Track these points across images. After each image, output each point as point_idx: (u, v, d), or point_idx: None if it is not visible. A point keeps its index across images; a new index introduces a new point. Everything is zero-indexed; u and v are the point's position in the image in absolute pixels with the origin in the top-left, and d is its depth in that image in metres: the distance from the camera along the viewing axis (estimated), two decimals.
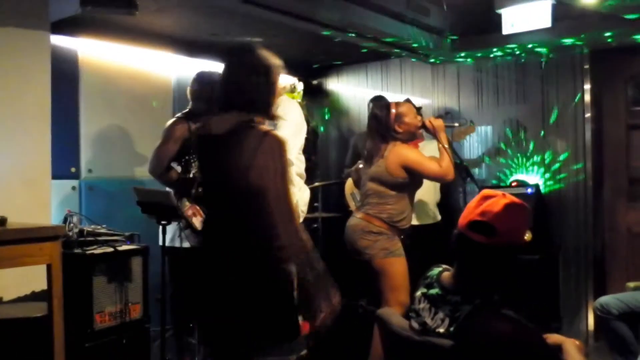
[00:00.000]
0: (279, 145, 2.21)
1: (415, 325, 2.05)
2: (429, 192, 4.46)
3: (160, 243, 3.52)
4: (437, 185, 4.57)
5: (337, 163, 6.19)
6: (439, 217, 4.68)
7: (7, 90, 3.42)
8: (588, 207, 4.93)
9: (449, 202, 5.00)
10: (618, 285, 4.56)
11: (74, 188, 4.40)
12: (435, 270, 2.12)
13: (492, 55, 5.27)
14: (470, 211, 1.95)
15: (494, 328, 1.83)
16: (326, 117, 6.50)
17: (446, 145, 3.61)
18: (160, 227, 3.47)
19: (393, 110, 3.62)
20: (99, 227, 3.78)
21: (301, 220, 3.56)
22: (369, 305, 4.23)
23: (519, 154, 5.23)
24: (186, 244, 3.61)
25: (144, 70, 4.88)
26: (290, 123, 3.34)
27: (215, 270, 2.31)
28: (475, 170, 5.35)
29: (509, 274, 1.97)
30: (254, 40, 2.41)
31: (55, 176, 3.80)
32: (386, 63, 5.97)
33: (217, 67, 4.40)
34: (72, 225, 3.61)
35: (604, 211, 5.05)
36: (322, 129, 6.48)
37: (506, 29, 4.17)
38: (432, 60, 5.50)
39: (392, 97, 5.29)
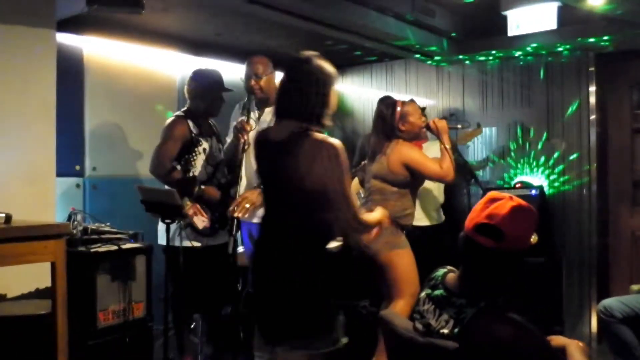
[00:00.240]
0: (336, 152, 2.39)
1: (419, 326, 2.04)
2: (432, 194, 4.47)
3: (164, 241, 3.52)
4: (441, 186, 4.57)
5: None
6: (442, 219, 4.67)
7: (13, 88, 3.43)
8: (592, 210, 4.92)
9: (453, 203, 4.99)
10: (621, 288, 4.55)
11: (78, 186, 4.41)
12: (440, 272, 2.12)
13: (497, 57, 5.26)
14: (477, 214, 1.94)
15: (498, 331, 1.82)
16: None
17: (448, 147, 3.65)
18: (165, 226, 3.46)
19: (398, 109, 3.69)
20: (103, 225, 3.78)
21: None
22: (372, 306, 4.23)
23: (523, 156, 5.22)
24: (186, 243, 3.61)
25: (149, 69, 4.89)
26: None
27: (273, 264, 2.47)
28: (480, 172, 5.34)
29: (514, 277, 1.96)
30: (311, 52, 2.61)
31: (60, 174, 3.81)
32: (391, 64, 5.97)
33: (220, 66, 4.43)
34: (76, 223, 3.61)
35: (608, 214, 5.04)
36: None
37: (511, 31, 4.18)
38: (437, 61, 5.50)
39: (396, 98, 5.27)
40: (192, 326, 4.02)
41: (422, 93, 5.75)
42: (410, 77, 5.88)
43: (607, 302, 3.62)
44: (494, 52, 5.13)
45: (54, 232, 2.87)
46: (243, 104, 3.58)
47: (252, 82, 3.55)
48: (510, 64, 5.29)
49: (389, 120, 3.69)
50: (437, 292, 2.03)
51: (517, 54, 5.11)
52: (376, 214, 2.74)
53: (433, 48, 5.02)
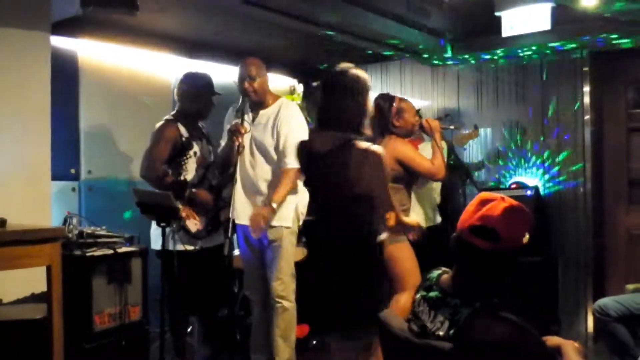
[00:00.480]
0: (380, 159, 2.66)
1: (414, 328, 2.05)
2: (429, 195, 4.47)
3: (159, 246, 3.51)
4: (438, 187, 4.58)
5: None
6: (438, 220, 4.67)
7: (7, 91, 3.42)
8: (587, 209, 4.93)
9: (449, 204, 4.99)
10: (617, 288, 4.55)
11: (73, 189, 4.40)
12: (435, 273, 2.12)
13: (491, 58, 5.27)
14: (470, 215, 1.94)
15: (493, 331, 1.82)
16: None
17: (440, 145, 3.78)
18: (157, 230, 3.45)
19: (395, 104, 3.76)
20: (99, 228, 3.77)
21: (300, 222, 3.57)
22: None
23: (518, 156, 5.23)
24: (179, 247, 3.60)
25: (143, 71, 4.88)
26: (300, 125, 3.49)
27: (328, 261, 2.75)
28: (475, 172, 5.35)
29: (509, 278, 1.96)
30: (347, 64, 2.79)
31: (55, 177, 3.81)
32: (386, 65, 5.97)
33: (214, 69, 4.42)
34: (71, 226, 3.61)
35: (604, 213, 5.06)
36: None
37: (505, 32, 4.18)
38: (432, 61, 5.50)
39: None
40: (189, 330, 4.02)
41: (417, 93, 5.75)
42: (405, 77, 5.88)
43: (603, 301, 3.62)
44: (489, 52, 5.14)
45: (49, 236, 2.87)
46: (237, 106, 3.58)
47: (246, 84, 3.55)
48: (505, 64, 5.30)
49: (386, 113, 3.74)
50: (432, 293, 2.03)
51: (512, 54, 5.11)
52: (412, 218, 3.07)
53: (428, 48, 5.02)
